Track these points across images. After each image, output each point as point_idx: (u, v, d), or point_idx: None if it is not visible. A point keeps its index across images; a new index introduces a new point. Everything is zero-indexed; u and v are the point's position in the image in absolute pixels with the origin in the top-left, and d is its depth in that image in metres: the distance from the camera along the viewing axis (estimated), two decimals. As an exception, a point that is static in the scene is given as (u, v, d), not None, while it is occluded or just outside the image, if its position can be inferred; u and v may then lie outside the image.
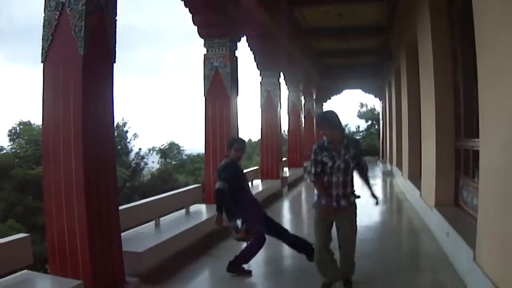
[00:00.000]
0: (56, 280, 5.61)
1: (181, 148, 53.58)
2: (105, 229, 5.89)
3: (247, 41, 15.69)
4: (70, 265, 5.69)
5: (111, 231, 6.06)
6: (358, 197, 6.28)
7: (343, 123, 37.78)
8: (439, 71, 9.92)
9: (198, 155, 49.98)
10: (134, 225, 8.46)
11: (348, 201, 6.12)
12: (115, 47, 6.12)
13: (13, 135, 36.75)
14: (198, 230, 9.11)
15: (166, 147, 51.29)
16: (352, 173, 6.19)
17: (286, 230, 7.73)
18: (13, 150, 34.59)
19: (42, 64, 5.77)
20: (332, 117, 6.07)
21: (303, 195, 18.92)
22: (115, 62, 6.14)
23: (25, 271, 5.63)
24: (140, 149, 44.75)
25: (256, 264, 7.78)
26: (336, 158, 5.97)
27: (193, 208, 10.56)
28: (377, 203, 6.54)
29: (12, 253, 5.37)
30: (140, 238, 7.80)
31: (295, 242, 7.63)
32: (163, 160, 50.39)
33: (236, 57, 11.79)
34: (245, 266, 7.49)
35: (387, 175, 23.63)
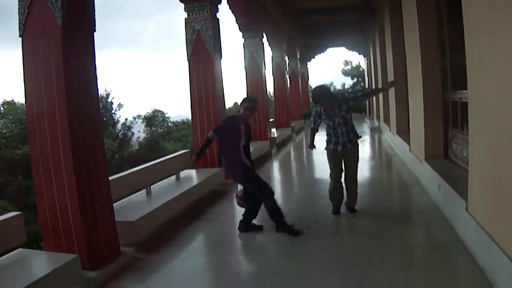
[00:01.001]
0: (52, 255, 5.61)
1: (166, 115, 53.18)
2: (96, 201, 5.86)
3: (228, 2, 15.37)
4: (64, 240, 5.69)
5: (103, 203, 6.05)
6: (360, 137, 8.16)
7: (329, 81, 37.70)
8: (424, 23, 9.83)
9: (183, 122, 50.01)
10: (126, 195, 8.46)
11: (352, 143, 7.91)
12: (94, 15, 6.00)
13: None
14: (190, 195, 9.14)
15: (150, 114, 50.86)
16: (351, 122, 7.92)
17: (269, 192, 7.59)
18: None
19: (20, 38, 5.65)
20: (326, 92, 7.99)
21: (292, 154, 19.04)
22: (95, 31, 6.03)
23: (19, 249, 5.60)
24: (126, 119, 44.43)
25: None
26: (334, 117, 7.78)
27: (183, 174, 10.58)
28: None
29: (5, 232, 5.34)
30: (132, 207, 7.78)
31: (273, 207, 7.55)
32: (148, 128, 50.02)
33: (218, 19, 11.70)
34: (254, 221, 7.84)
35: (375, 131, 23.72)
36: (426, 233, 7.31)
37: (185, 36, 11.34)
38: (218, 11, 11.75)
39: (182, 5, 11.27)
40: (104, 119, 40.68)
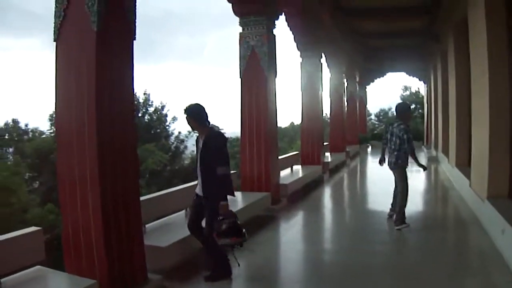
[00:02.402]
0: (70, 278, 5.22)
1: (221, 131, 53.23)
2: (123, 223, 5.38)
3: (286, 20, 14.95)
4: (85, 262, 5.27)
5: (130, 225, 5.55)
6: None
7: (387, 107, 37.12)
8: (494, 51, 9.02)
9: (238, 139, 49.52)
10: (164, 215, 8.03)
11: (397, 165, 9.26)
12: (135, 22, 5.54)
13: (53, 119, 36.80)
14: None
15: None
16: (403, 148, 9.18)
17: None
18: (52, 135, 34.72)
19: (54, 43, 5.27)
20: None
21: (345, 181, 18.27)
22: (135, 39, 5.55)
23: (38, 267, 5.27)
24: (179, 132, 44.74)
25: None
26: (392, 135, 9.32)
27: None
28: None
29: (24, 247, 5.00)
30: (166, 230, 7.30)
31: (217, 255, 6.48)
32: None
33: (274, 36, 11.18)
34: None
35: (432, 161, 22.56)
36: (487, 285, 6.43)
37: (238, 52, 10.85)
38: (275, 27, 11.26)
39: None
40: (158, 130, 40.90)
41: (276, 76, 11.29)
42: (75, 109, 5.11)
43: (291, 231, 9.56)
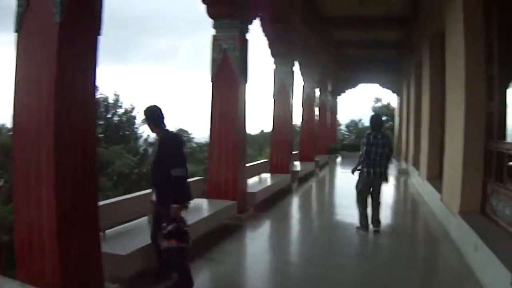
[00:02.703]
0: (21, 287, 4.77)
1: (191, 136, 53.19)
2: (79, 228, 5.09)
3: (261, 25, 14.81)
4: (38, 268, 4.96)
5: (87, 230, 5.26)
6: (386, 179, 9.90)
7: (358, 118, 37.63)
8: (471, 65, 8.91)
9: (207, 143, 49.43)
10: (124, 221, 7.59)
11: (381, 175, 9.69)
12: (100, 16, 5.22)
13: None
14: (197, 228, 8.07)
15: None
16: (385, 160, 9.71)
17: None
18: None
19: (15, 34, 4.96)
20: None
21: (314, 192, 18.13)
22: (100, 34, 5.23)
23: None
24: (148, 135, 44.49)
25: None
26: (376, 146, 9.56)
27: (192, 203, 9.58)
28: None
29: None
30: (127, 237, 6.94)
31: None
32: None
33: (247, 40, 10.92)
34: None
35: (402, 173, 22.66)
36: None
37: (210, 55, 10.56)
38: (248, 31, 11.01)
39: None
40: (127, 133, 40.58)
41: (247, 82, 11.06)
42: (33, 104, 4.85)
43: (257, 242, 9.33)
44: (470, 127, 8.88)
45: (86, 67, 5.14)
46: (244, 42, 10.75)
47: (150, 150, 43.84)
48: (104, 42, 5.37)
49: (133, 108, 44.76)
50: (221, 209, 9.51)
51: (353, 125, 57.15)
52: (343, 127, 57.17)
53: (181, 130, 52.40)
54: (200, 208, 9.48)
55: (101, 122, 43.32)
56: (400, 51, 25.33)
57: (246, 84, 11.04)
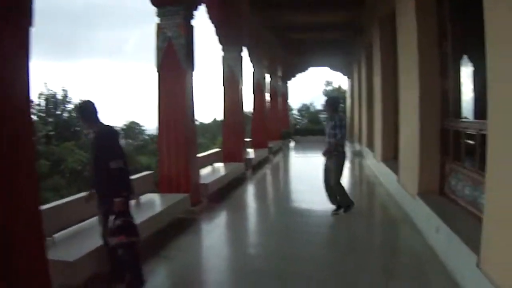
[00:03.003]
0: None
1: (143, 128, 52.70)
2: (20, 234, 4.66)
3: (208, 12, 14.41)
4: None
5: (30, 237, 4.81)
6: (341, 152, 9.86)
7: (309, 101, 37.81)
8: (424, 42, 8.79)
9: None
10: (73, 223, 7.16)
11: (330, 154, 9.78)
12: (31, 8, 4.78)
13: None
14: (149, 225, 7.82)
15: (126, 126, 50.07)
16: (335, 138, 9.65)
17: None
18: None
19: None
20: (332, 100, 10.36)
21: (269, 178, 18.04)
22: (31, 25, 4.80)
23: None
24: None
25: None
26: (326, 125, 9.95)
27: (144, 198, 9.32)
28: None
29: None
30: (77, 240, 6.54)
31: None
32: (124, 141, 49.28)
33: (192, 27, 10.56)
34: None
35: (356, 155, 22.81)
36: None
37: (155, 44, 10.20)
38: (193, 17, 10.64)
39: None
40: (78, 129, 40.20)
41: (194, 70, 10.71)
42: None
43: (213, 235, 9.01)
44: (425, 106, 8.76)
45: (17, 62, 4.73)
46: (189, 29, 10.40)
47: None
48: (51, 37, 4.95)
49: (82, 104, 44.25)
50: (173, 203, 9.16)
51: (305, 109, 57.28)
52: (295, 112, 57.29)
53: (133, 122, 51.92)
54: (152, 203, 9.16)
55: (50, 120, 42.50)
56: (350, 33, 25.24)
57: (193, 72, 10.69)
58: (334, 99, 10.75)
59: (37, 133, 35.90)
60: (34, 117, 36.91)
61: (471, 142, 7.16)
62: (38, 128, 36.84)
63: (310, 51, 32.55)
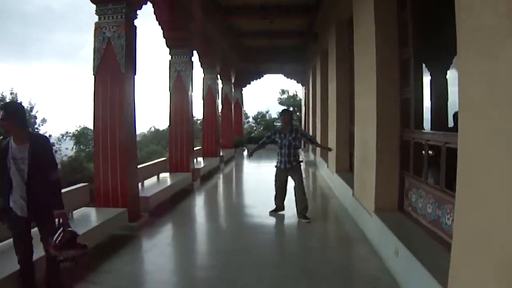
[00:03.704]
0: None
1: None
2: None
3: (154, 13, 13.79)
4: None
5: None
6: (301, 161, 10.84)
7: (265, 109, 38.14)
8: (383, 48, 8.32)
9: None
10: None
11: (291, 164, 10.45)
12: None
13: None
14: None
15: (78, 132, 49.16)
16: (295, 148, 10.50)
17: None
18: None
19: None
20: (291, 114, 11.25)
21: (219, 190, 17.36)
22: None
23: None
24: (50, 135, 42.74)
25: None
26: (284, 139, 10.44)
27: (77, 213, 8.70)
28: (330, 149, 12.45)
29: None
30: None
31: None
32: (76, 147, 48.38)
33: (135, 27, 9.91)
34: None
35: (310, 165, 22.43)
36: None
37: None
38: (136, 17, 10.02)
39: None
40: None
41: (135, 74, 10.04)
42: None
43: (152, 254, 8.26)
44: (383, 115, 8.28)
45: None
46: (131, 29, 9.76)
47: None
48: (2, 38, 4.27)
49: (32, 107, 42.97)
50: (109, 219, 8.52)
51: (260, 117, 57.28)
52: (251, 120, 57.28)
53: (85, 128, 50.94)
54: (86, 218, 8.53)
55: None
56: (304, 39, 25.45)
57: (134, 77, 10.03)
58: (290, 111, 11.32)
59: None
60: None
61: (434, 155, 6.82)
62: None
63: (265, 58, 32.37)
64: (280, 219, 10.58)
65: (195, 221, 11.61)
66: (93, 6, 9.48)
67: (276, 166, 10.81)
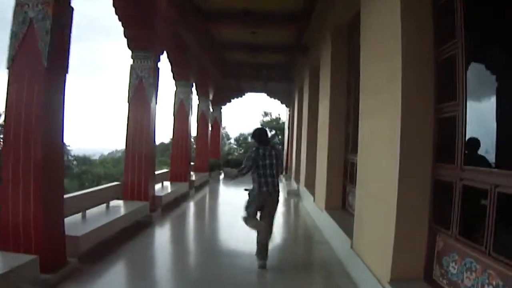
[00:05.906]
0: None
1: (69, 148, 56.41)
2: None
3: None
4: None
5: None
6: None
7: (248, 131, 40.39)
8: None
9: (85, 157, 54.22)
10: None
11: (275, 190, 10.33)
12: None
13: None
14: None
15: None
16: (277, 171, 10.42)
17: None
18: None
19: None
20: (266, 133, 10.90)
21: (186, 222, 18.20)
22: None
23: None
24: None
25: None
26: (269, 159, 10.33)
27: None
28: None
29: None
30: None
31: None
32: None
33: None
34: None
35: (293, 195, 23.86)
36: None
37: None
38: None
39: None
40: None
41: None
42: None
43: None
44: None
45: None
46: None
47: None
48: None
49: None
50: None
51: (242, 139, 61.75)
52: (232, 141, 62.90)
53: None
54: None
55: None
56: (290, 57, 29.03)
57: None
58: (265, 131, 10.95)
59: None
60: None
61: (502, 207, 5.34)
62: None
63: (247, 74, 35.07)
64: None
65: (146, 269, 10.34)
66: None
67: (254, 190, 10.21)
